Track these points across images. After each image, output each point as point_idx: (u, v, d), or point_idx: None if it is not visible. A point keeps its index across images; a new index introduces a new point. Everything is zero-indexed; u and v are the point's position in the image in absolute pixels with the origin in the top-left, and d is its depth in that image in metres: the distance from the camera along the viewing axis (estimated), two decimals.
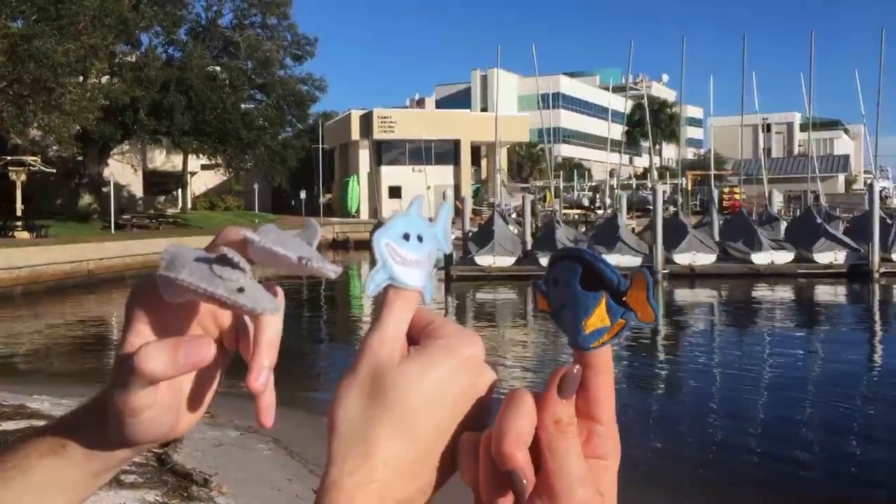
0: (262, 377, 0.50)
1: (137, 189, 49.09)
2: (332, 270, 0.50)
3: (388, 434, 0.47)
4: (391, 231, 0.50)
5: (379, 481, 0.46)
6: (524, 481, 0.44)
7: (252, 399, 0.51)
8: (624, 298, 0.45)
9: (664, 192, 31.82)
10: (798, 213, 35.23)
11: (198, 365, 0.51)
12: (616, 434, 0.48)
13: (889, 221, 26.35)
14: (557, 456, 0.45)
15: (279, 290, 0.53)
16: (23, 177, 31.29)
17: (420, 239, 0.51)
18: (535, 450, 0.46)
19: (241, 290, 0.48)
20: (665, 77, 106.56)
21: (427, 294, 0.51)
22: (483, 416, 0.50)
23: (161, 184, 52.21)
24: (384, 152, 58.23)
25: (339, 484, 0.45)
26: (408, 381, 0.47)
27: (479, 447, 0.47)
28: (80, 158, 38.71)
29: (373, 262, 0.50)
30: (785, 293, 23.47)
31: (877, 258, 24.61)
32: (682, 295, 23.30)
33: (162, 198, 52.72)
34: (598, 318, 0.45)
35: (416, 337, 0.50)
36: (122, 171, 45.22)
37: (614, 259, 25.52)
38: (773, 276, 25.08)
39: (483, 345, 0.51)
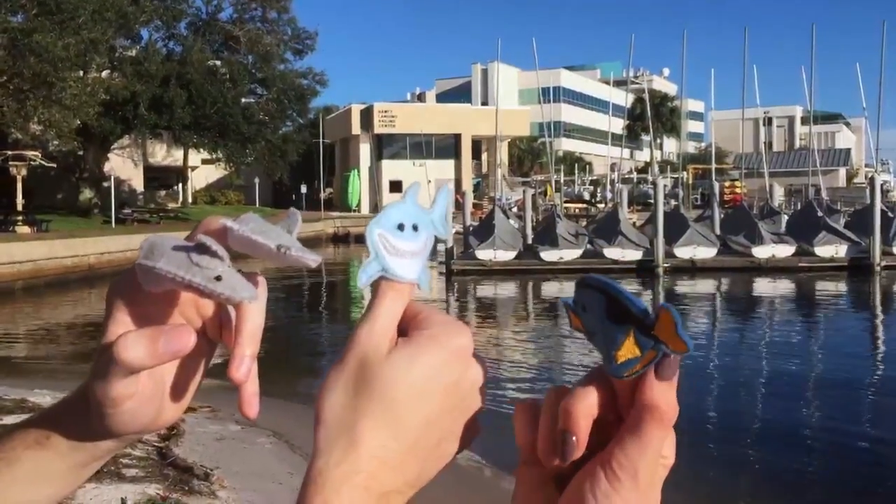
0: (243, 367, 0.50)
1: (138, 183, 49.09)
2: (311, 259, 0.49)
3: (374, 425, 0.46)
4: (385, 221, 0.49)
5: (365, 472, 0.45)
6: (575, 442, 0.45)
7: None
8: (652, 332, 0.45)
9: (665, 185, 31.76)
10: (799, 207, 35.17)
11: (178, 354, 0.50)
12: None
13: (890, 215, 26.29)
14: (642, 438, 0.44)
15: (261, 279, 0.52)
16: (23, 171, 31.23)
17: (415, 228, 0.50)
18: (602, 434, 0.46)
19: (218, 278, 0.48)
20: (666, 71, 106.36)
21: (423, 283, 0.51)
22: (471, 407, 0.50)
23: (161, 178, 52.22)
24: (385, 146, 58.20)
25: (325, 474, 0.45)
26: (395, 371, 0.47)
27: (542, 408, 0.47)
28: (80, 153, 38.69)
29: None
30: (786, 287, 23.48)
31: (878, 251, 24.60)
32: (683, 288, 23.30)
33: (162, 192, 52.73)
34: (628, 349, 0.45)
35: (405, 328, 0.50)
36: (122, 165, 45.21)
37: (615, 253, 25.54)
38: (774, 269, 25.07)
39: (472, 336, 0.50)
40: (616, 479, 0.44)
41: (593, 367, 0.48)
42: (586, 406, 0.45)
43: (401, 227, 0.49)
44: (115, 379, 0.50)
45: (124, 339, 0.49)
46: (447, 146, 59.21)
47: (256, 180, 51.43)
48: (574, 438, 0.45)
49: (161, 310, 0.53)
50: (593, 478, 0.45)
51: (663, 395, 0.45)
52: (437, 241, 0.52)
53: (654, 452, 0.44)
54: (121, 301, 0.52)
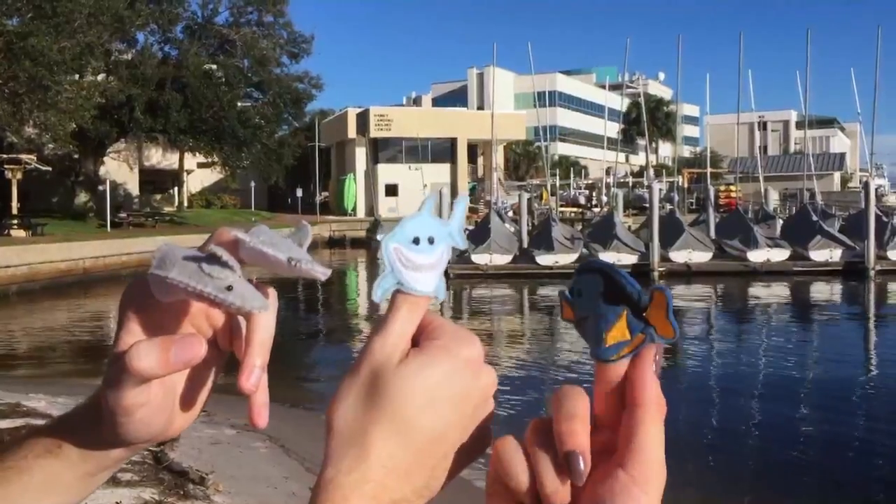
0: (253, 377, 0.50)
1: (133, 187, 49.01)
2: (321, 272, 0.49)
3: (384, 435, 0.47)
4: (400, 235, 0.49)
5: (374, 481, 0.46)
6: (582, 465, 0.44)
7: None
8: (644, 314, 0.46)
9: (660, 189, 31.82)
10: (794, 211, 35.28)
11: (189, 363, 0.51)
12: (638, 494, 0.45)
13: (884, 219, 26.37)
14: (658, 434, 0.45)
15: (271, 290, 0.53)
16: (19, 175, 31.18)
17: (431, 241, 0.50)
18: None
19: (229, 288, 0.48)
20: (661, 75, 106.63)
21: (440, 293, 0.51)
22: (481, 418, 0.50)
23: (157, 182, 52.13)
24: (381, 150, 58.21)
25: (336, 482, 0.46)
26: (405, 382, 0.47)
27: (530, 440, 0.46)
28: (76, 157, 38.64)
29: (372, 263, 0.49)
30: (781, 291, 23.52)
31: (872, 256, 24.66)
32: (679, 292, 23.32)
33: (158, 196, 52.63)
34: (619, 331, 0.46)
35: (416, 338, 0.50)
36: (118, 169, 45.14)
37: (611, 257, 25.57)
38: (769, 273, 25.13)
39: (482, 346, 0.51)
40: (645, 480, 0.44)
41: (560, 386, 0.48)
42: (581, 421, 0.45)
43: (416, 240, 0.49)
44: (128, 387, 0.51)
45: (136, 348, 0.50)
46: (443, 150, 59.23)
47: (252, 184, 51.41)
48: (581, 457, 0.44)
49: (172, 320, 0.53)
50: (617, 484, 0.45)
51: (660, 390, 0.46)
52: (454, 251, 0.52)
53: (661, 449, 0.45)
54: (133, 311, 0.53)
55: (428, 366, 0.48)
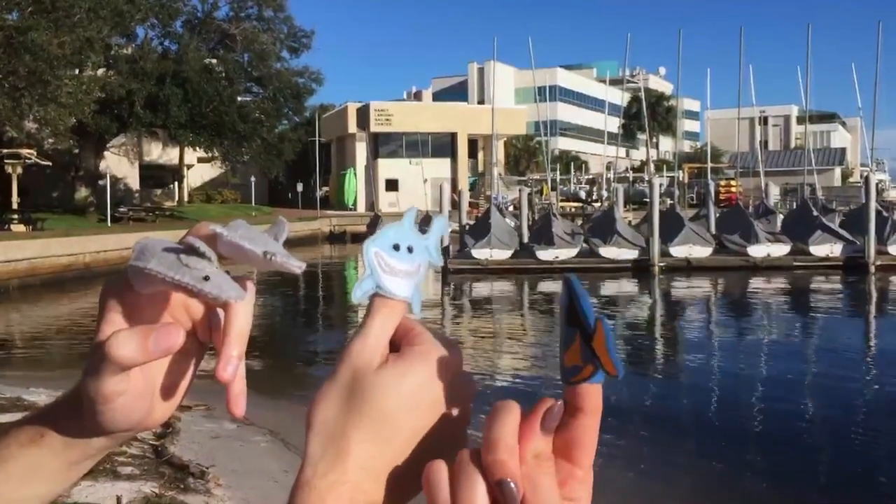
0: (230, 367, 0.51)
1: (134, 182, 48.97)
2: (296, 266, 0.51)
3: (362, 437, 0.48)
4: (381, 240, 0.51)
5: (351, 482, 0.47)
6: (515, 491, 0.44)
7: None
8: (592, 343, 0.45)
9: (661, 184, 31.78)
10: (794, 206, 35.25)
11: (168, 351, 0.52)
12: (591, 478, 0.47)
13: (885, 214, 26.38)
14: (539, 490, 0.44)
15: (249, 282, 0.54)
16: (19, 170, 31.16)
17: (410, 250, 0.51)
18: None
19: (206, 278, 0.49)
20: (662, 70, 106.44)
21: (415, 306, 0.52)
22: (459, 424, 0.51)
23: (157, 177, 52.08)
24: (381, 145, 58.17)
25: (312, 483, 0.47)
26: (384, 385, 0.48)
27: (456, 466, 0.45)
28: (76, 151, 38.60)
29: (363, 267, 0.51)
30: (781, 286, 23.53)
31: (872, 251, 24.68)
32: (679, 287, 23.34)
33: (158, 191, 52.60)
34: (574, 354, 0.45)
35: (397, 344, 0.51)
36: (118, 164, 45.10)
37: (611, 252, 25.58)
38: (770, 268, 25.13)
39: (462, 353, 0.52)
40: (589, 469, 0.47)
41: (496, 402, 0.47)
42: (505, 448, 0.44)
43: (396, 247, 0.51)
44: (108, 376, 0.51)
45: (116, 336, 0.50)
46: (443, 145, 59.21)
47: (252, 179, 51.38)
48: (511, 483, 0.44)
49: (152, 311, 0.54)
50: (574, 480, 0.46)
51: (546, 444, 0.46)
52: (430, 266, 0.53)
53: (554, 501, 0.45)
54: (113, 302, 0.53)
55: (408, 371, 0.49)
